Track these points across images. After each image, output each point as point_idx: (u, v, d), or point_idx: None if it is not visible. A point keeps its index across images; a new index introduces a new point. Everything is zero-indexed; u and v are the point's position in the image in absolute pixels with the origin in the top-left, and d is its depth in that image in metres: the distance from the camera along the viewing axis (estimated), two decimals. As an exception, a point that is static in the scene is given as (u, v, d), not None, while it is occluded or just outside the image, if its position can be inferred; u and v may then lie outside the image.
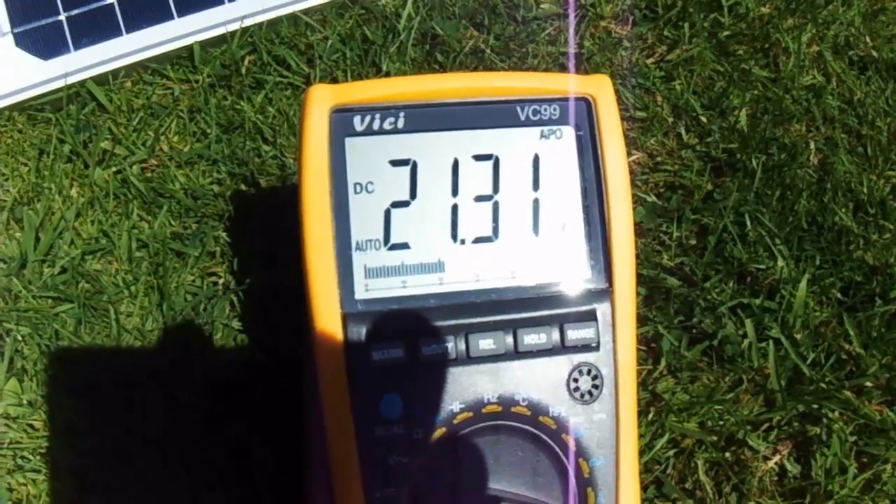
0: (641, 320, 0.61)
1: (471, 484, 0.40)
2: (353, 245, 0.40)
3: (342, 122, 0.41)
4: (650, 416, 0.57)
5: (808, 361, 0.59)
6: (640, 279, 0.63)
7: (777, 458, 0.57)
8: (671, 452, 0.57)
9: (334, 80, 0.70)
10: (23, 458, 0.57)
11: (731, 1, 0.79)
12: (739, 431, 0.57)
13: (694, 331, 0.61)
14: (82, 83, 0.72)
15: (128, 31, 0.74)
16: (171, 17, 0.75)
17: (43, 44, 0.74)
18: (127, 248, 0.61)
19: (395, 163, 0.41)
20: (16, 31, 0.74)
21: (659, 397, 0.58)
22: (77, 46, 0.74)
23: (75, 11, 0.75)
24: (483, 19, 0.75)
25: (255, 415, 0.57)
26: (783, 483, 0.56)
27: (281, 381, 0.57)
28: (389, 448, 0.39)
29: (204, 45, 0.74)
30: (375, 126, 0.41)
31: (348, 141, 0.41)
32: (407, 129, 0.42)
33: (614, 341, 0.42)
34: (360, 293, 0.40)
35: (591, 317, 0.41)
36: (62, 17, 0.75)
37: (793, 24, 0.80)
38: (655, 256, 0.64)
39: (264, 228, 0.63)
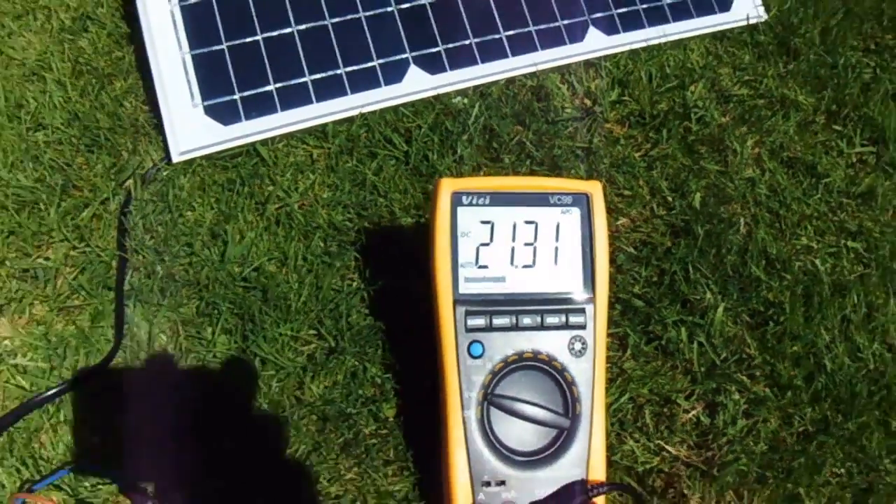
0: (616, 325, 0.99)
1: (514, 394, 0.80)
2: (460, 264, 0.81)
3: (457, 198, 0.81)
4: (618, 382, 0.96)
5: (721, 358, 0.99)
6: (618, 300, 1.01)
7: (694, 412, 0.95)
8: (630, 405, 0.94)
9: (426, 158, 1.10)
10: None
11: (699, 114, 1.20)
12: (673, 395, 0.95)
13: (650, 334, 0.99)
14: (251, 144, 1.13)
15: (282, 109, 1.13)
16: (311, 102, 1.15)
17: (224, 114, 1.11)
18: (294, 258, 1.02)
19: (482, 222, 0.82)
20: (205, 104, 1.13)
21: (625, 372, 0.96)
22: (247, 118, 1.12)
23: (246, 93, 1.14)
24: (525, 119, 1.16)
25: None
26: (698, 426, 0.95)
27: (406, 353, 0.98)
28: (474, 372, 0.80)
29: (335, 123, 1.15)
30: (473, 202, 0.82)
31: (459, 209, 0.81)
32: (490, 204, 0.81)
33: (595, 325, 0.81)
34: (462, 289, 0.80)
35: (583, 310, 0.81)
36: (237, 96, 1.14)
37: (743, 132, 1.21)
38: (630, 286, 1.04)
39: (381, 251, 1.03)
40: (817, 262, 1.08)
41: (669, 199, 1.11)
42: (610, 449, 0.87)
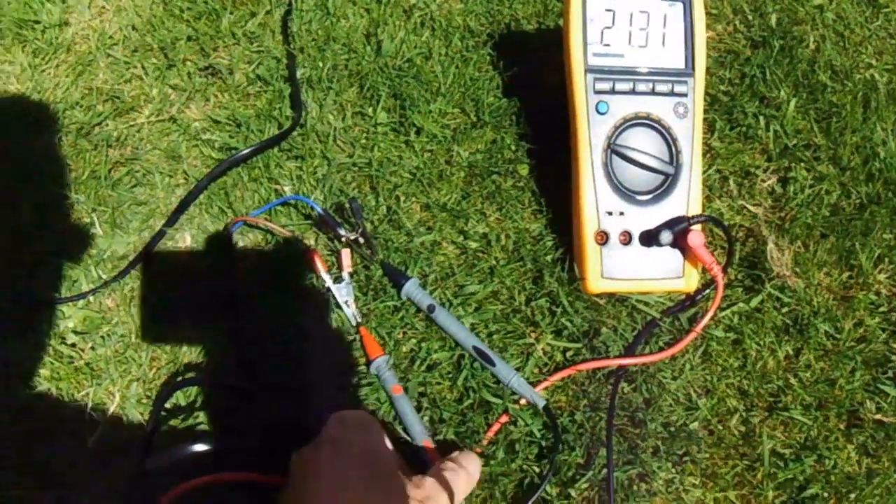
0: (705, 112, 1.21)
1: (631, 145, 1.06)
2: (588, 42, 1.05)
3: (588, -9, 1.07)
4: (707, 158, 1.20)
5: (792, 143, 1.24)
6: (707, 94, 1.25)
7: (769, 182, 1.20)
8: (717, 176, 1.18)
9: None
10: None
11: (775, -50, 1.44)
12: (752, 169, 1.20)
13: (733, 121, 1.23)
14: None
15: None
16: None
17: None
18: (437, 53, 1.28)
19: (606, 10, 1.05)
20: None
21: (712, 149, 1.20)
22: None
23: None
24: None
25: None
26: (772, 194, 1.19)
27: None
28: (600, 125, 1.05)
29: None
30: (601, -7, 1.07)
31: (588, 0, 1.07)
32: (613, -3, 1.07)
33: (694, 94, 1.06)
34: (591, 61, 1.04)
35: (685, 82, 1.06)
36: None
37: (814, -33, 1.44)
38: (717, 85, 1.29)
39: (509, 49, 1.26)
40: (875, 74, 1.32)
41: (749, 17, 1.35)
42: (702, 207, 1.13)
